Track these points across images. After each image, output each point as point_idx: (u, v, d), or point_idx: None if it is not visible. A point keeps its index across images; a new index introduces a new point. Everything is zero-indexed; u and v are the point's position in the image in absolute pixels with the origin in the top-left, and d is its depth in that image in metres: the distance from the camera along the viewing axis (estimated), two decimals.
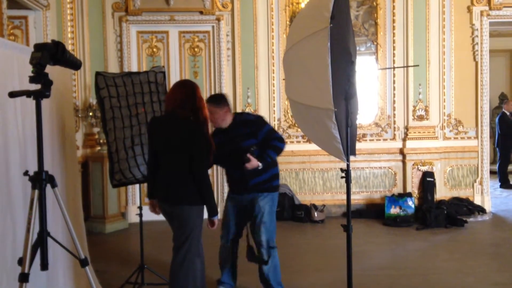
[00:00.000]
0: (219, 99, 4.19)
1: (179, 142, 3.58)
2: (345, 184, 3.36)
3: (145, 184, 6.05)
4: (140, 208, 4.63)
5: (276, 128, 7.68)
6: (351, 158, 3.33)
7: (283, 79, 3.53)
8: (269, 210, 4.20)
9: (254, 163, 3.98)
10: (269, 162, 4.09)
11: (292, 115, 7.16)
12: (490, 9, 7.61)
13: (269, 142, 4.12)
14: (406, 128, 7.70)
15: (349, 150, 3.20)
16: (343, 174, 3.32)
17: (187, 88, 3.69)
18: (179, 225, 3.66)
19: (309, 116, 3.22)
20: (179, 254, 3.64)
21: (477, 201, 7.76)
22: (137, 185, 6.01)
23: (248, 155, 3.96)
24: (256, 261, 4.23)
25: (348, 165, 3.27)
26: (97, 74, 4.28)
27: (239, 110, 7.55)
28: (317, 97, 3.02)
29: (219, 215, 3.87)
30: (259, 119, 4.33)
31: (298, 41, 3.16)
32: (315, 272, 5.16)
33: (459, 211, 7.36)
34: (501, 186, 10.22)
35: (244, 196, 4.23)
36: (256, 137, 4.10)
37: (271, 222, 4.22)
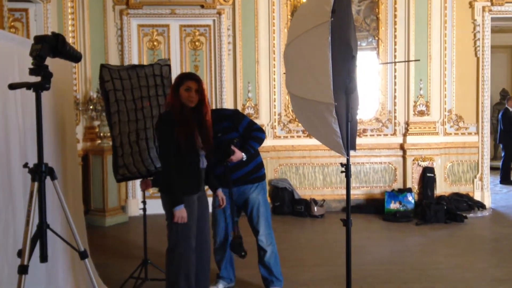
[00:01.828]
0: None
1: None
2: (345, 179, 3.36)
3: (149, 179, 5.99)
4: (144, 202, 4.58)
5: (276, 123, 7.69)
6: (351, 153, 3.33)
7: (284, 74, 3.52)
8: (263, 199, 4.30)
9: (238, 155, 4.00)
10: (252, 153, 4.13)
11: (292, 110, 7.15)
12: (492, 4, 7.58)
13: (250, 133, 4.15)
14: (407, 123, 7.70)
15: (349, 144, 3.20)
16: (343, 169, 3.32)
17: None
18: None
19: (310, 111, 3.22)
20: (168, 244, 3.67)
21: (477, 197, 7.75)
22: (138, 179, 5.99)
23: (233, 147, 3.97)
24: (239, 252, 4.12)
25: (348, 160, 3.27)
26: (102, 66, 4.21)
27: (240, 104, 7.55)
28: (318, 91, 3.02)
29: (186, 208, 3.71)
30: (237, 113, 4.40)
31: (298, 35, 3.15)
32: (314, 266, 5.17)
33: (459, 207, 7.36)
34: (501, 182, 10.22)
35: (232, 190, 4.17)
36: (237, 130, 4.13)
37: (267, 211, 4.32)
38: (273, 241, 4.33)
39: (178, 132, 3.53)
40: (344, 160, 3.30)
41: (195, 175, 3.71)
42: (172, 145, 3.54)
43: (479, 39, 7.64)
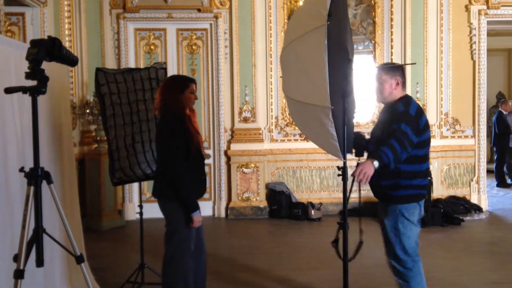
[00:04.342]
0: (385, 67, 3.60)
1: (156, 139, 3.74)
2: (342, 182, 3.37)
3: (145, 182, 5.94)
4: (141, 206, 4.56)
5: (273, 126, 7.67)
6: (348, 156, 3.33)
7: (281, 77, 3.53)
8: (391, 224, 3.75)
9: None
10: (384, 162, 3.25)
11: (289, 113, 7.15)
12: (488, 8, 7.63)
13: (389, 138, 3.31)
14: None
15: (346, 148, 3.20)
16: (340, 172, 3.33)
17: (161, 86, 3.74)
18: (165, 220, 3.69)
19: (306, 114, 3.22)
20: (167, 250, 3.63)
21: (474, 199, 7.77)
22: (135, 183, 5.97)
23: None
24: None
25: (344, 163, 3.27)
26: (98, 70, 4.21)
27: (237, 108, 7.54)
28: (314, 94, 3.02)
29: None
30: (404, 113, 3.38)
31: (295, 39, 3.16)
32: (311, 269, 5.17)
33: (456, 210, 7.37)
34: (497, 185, 10.26)
35: (379, 202, 3.93)
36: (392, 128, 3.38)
37: (397, 239, 3.74)
38: (411, 275, 3.72)
39: (191, 137, 3.56)
40: (341, 164, 3.31)
41: (203, 179, 3.75)
42: (183, 151, 3.53)
43: (475, 42, 7.67)
